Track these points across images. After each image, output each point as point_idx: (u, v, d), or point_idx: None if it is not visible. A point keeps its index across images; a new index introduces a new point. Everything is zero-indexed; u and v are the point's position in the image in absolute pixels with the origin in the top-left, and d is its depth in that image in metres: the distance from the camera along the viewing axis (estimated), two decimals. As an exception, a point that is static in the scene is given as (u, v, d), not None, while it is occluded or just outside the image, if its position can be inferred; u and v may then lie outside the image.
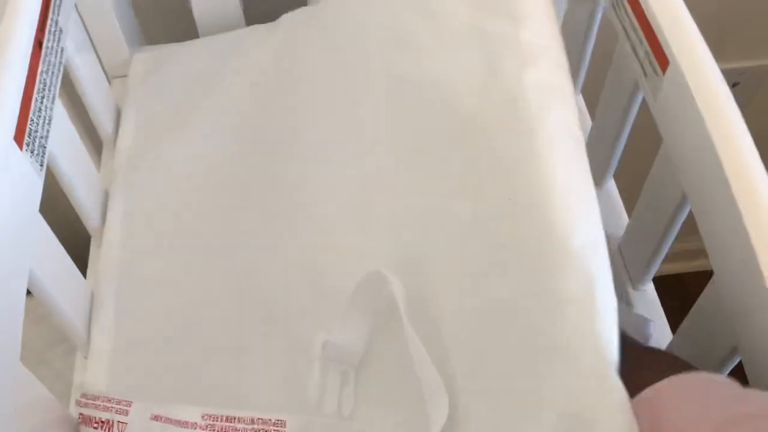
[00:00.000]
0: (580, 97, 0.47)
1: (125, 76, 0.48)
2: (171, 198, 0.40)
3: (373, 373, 0.32)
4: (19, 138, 0.30)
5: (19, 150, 0.30)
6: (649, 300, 0.40)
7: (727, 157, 0.28)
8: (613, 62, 0.40)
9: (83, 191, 0.38)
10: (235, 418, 0.29)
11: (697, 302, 0.33)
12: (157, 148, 0.42)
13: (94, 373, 0.35)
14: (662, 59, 0.32)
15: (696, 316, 0.33)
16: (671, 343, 0.36)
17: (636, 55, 0.35)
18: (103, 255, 0.39)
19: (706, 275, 0.31)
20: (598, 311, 0.27)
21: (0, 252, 0.27)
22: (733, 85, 0.79)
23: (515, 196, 0.30)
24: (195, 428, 0.29)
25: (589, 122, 0.46)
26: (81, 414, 0.33)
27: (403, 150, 0.35)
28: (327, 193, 0.36)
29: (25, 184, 0.30)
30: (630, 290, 0.40)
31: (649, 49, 0.33)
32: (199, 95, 0.44)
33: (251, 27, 0.47)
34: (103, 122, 0.44)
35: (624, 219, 0.43)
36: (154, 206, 0.40)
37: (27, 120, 0.30)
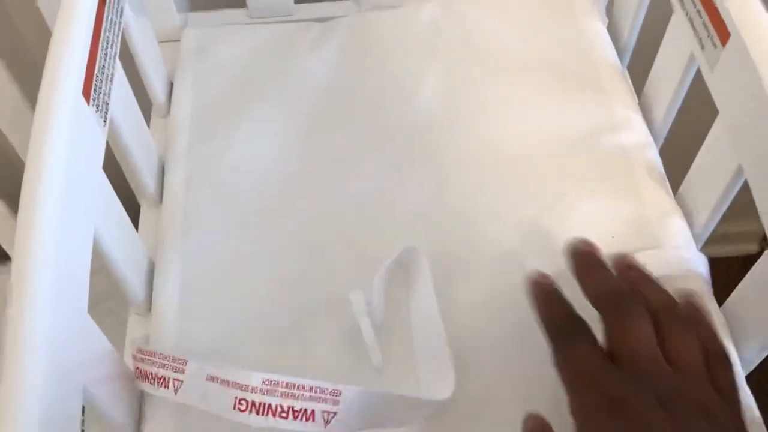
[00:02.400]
0: (627, 73, 0.46)
1: (172, 41, 0.48)
2: (234, 175, 0.41)
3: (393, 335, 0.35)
4: (86, 92, 0.31)
5: (86, 104, 0.31)
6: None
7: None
8: (667, 34, 0.39)
9: (140, 154, 0.39)
10: (294, 385, 0.30)
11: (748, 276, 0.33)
12: (215, 130, 0.43)
13: (157, 331, 0.36)
14: (723, 31, 0.31)
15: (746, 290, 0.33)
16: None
17: (693, 27, 0.34)
18: (164, 215, 0.40)
19: (735, 261, 0.31)
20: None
21: (72, 203, 0.28)
22: None
23: None
24: (254, 392, 0.30)
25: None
26: (137, 368, 0.34)
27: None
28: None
29: (92, 139, 0.31)
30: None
31: (708, 21, 0.32)
32: (250, 92, 0.45)
33: (305, 24, 0.49)
34: (156, 88, 0.44)
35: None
36: (217, 179, 0.41)
37: (93, 75, 0.31)
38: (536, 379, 0.33)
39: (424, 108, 0.44)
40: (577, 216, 0.38)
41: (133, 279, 0.36)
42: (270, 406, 0.30)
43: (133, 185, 0.41)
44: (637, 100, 0.44)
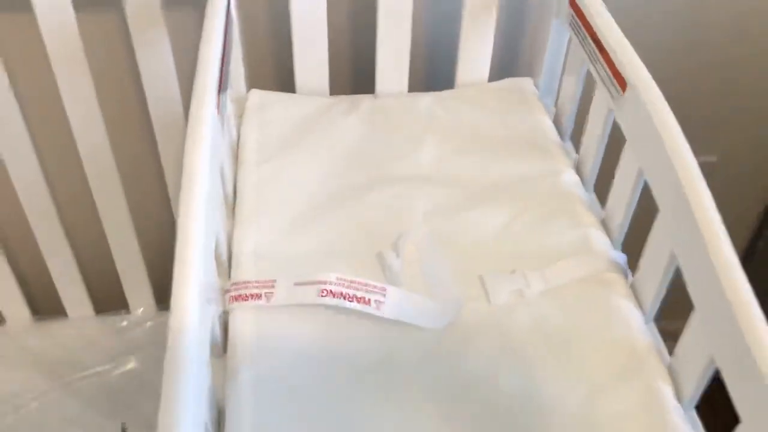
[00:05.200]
0: (568, 143, 0.65)
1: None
2: (289, 186, 0.58)
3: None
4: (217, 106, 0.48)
5: (217, 114, 0.48)
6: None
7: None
8: (593, 102, 0.59)
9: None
10: (355, 282, 0.45)
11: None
12: (274, 157, 0.61)
13: (240, 275, 0.50)
14: (621, 81, 0.51)
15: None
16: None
17: (604, 84, 0.54)
18: (238, 208, 0.55)
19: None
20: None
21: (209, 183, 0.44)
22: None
23: None
24: (331, 284, 0.44)
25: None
26: (231, 296, 0.48)
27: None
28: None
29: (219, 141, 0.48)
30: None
31: (611, 75, 0.52)
32: (302, 136, 0.63)
33: (338, 97, 0.68)
34: (233, 133, 0.62)
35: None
36: (277, 186, 0.58)
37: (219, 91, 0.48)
38: None
39: (419, 163, 0.61)
40: (532, 229, 0.55)
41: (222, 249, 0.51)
42: (341, 293, 0.45)
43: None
44: (573, 158, 0.62)
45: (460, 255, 0.53)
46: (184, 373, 0.35)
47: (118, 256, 0.82)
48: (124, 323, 0.86)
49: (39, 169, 0.73)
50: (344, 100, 0.68)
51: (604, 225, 0.56)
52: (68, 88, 0.67)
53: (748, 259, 1.03)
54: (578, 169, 0.61)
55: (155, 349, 0.84)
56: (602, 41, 0.54)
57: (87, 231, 0.81)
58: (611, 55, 0.52)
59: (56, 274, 0.83)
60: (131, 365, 0.81)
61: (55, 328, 0.85)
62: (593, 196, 0.60)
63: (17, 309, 0.85)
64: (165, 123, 0.69)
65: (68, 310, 0.86)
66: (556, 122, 0.66)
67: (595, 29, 0.55)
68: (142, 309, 0.86)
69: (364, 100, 0.68)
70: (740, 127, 0.91)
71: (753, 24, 0.79)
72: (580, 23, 0.58)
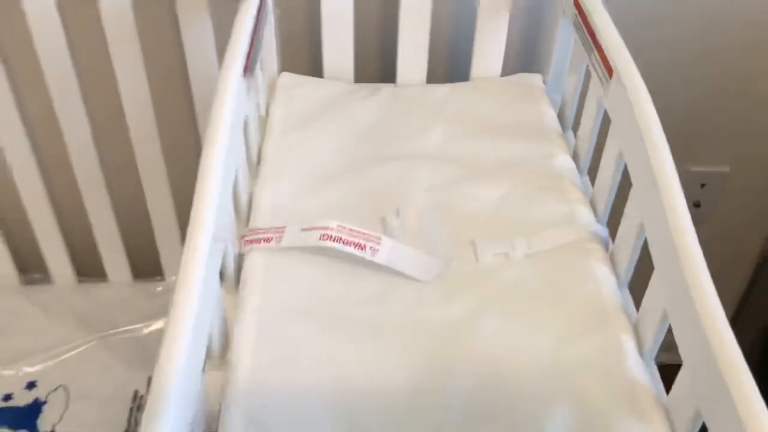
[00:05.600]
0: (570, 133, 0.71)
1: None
2: (310, 153, 0.65)
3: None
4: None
5: (243, 75, 0.55)
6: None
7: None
8: (588, 93, 0.64)
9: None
10: (354, 229, 0.51)
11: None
12: (298, 129, 0.67)
13: (256, 222, 0.57)
14: (609, 68, 0.56)
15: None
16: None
17: (596, 72, 0.59)
18: (262, 168, 0.62)
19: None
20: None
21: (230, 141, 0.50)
22: (702, 186, 1.03)
23: None
24: (332, 230, 0.50)
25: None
26: (246, 240, 0.54)
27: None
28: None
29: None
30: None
31: (601, 64, 0.57)
32: (324, 114, 0.70)
33: (360, 84, 0.75)
34: (260, 103, 0.69)
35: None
36: (299, 152, 0.64)
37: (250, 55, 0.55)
38: None
39: (426, 144, 0.67)
40: (524, 202, 0.60)
41: (242, 202, 0.58)
42: (340, 238, 0.51)
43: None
44: (571, 145, 0.67)
45: (456, 223, 0.58)
46: (192, 291, 0.41)
47: (157, 228, 0.90)
48: (159, 289, 0.93)
49: (93, 144, 0.82)
50: (366, 87, 0.74)
51: (592, 203, 0.61)
52: (122, 68, 0.76)
53: (764, 267, 1.06)
54: (575, 155, 0.66)
55: (185, 314, 0.91)
56: (597, 35, 0.59)
57: (131, 203, 0.89)
58: (602, 45, 0.58)
59: (101, 242, 0.91)
60: (161, 325, 0.89)
61: (96, 289, 0.93)
62: (586, 179, 0.65)
63: (64, 271, 0.93)
64: (203, 97, 0.77)
65: (109, 275, 0.94)
66: (560, 115, 0.71)
67: (591, 24, 0.60)
68: (175, 277, 0.93)
69: (385, 88, 0.74)
70: (753, 137, 0.94)
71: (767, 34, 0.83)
72: (581, 21, 0.64)
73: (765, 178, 0.98)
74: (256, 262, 0.53)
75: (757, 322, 1.09)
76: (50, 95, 0.78)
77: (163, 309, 0.91)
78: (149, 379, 0.83)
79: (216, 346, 0.48)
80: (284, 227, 0.53)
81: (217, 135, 0.49)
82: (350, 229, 0.51)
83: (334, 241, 0.50)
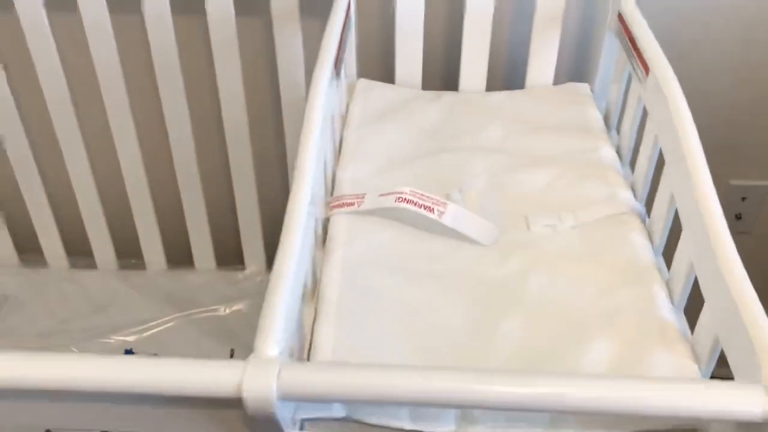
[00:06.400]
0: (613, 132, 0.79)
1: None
2: (384, 142, 0.75)
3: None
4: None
5: (333, 76, 0.66)
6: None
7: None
8: (629, 96, 0.73)
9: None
10: (425, 194, 0.61)
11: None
12: (373, 124, 0.78)
13: (339, 192, 0.67)
14: (645, 66, 0.65)
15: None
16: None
17: (636, 74, 0.68)
18: (343, 152, 0.72)
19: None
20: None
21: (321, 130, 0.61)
22: (742, 199, 1.09)
23: None
24: (406, 194, 0.60)
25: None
26: (332, 206, 0.64)
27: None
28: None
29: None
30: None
31: (638, 62, 0.66)
32: (396, 113, 0.80)
33: (427, 92, 0.85)
34: (342, 106, 0.80)
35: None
36: (374, 139, 0.75)
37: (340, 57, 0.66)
38: None
39: (484, 139, 0.76)
40: (570, 186, 0.69)
41: (328, 179, 0.68)
42: (413, 201, 0.60)
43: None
44: (614, 142, 0.76)
45: (510, 201, 0.67)
46: (296, 227, 0.51)
47: (243, 222, 1.01)
48: (240, 276, 1.04)
49: (191, 137, 0.94)
50: (432, 93, 0.85)
51: (632, 188, 0.69)
52: (223, 74, 0.88)
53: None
54: (618, 149, 0.75)
55: (261, 298, 1.01)
56: (636, 41, 0.68)
57: (220, 200, 1.01)
58: (640, 48, 0.67)
59: (191, 232, 1.03)
60: (240, 306, 0.99)
61: (183, 274, 1.05)
62: (627, 169, 0.73)
63: (157, 257, 1.05)
64: (290, 101, 0.88)
65: (196, 262, 1.05)
66: (605, 119, 0.80)
67: (633, 34, 0.70)
68: (255, 267, 1.04)
69: (448, 94, 0.85)
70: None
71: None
72: (623, 32, 0.73)
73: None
74: (341, 222, 0.63)
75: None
76: (170, 107, 0.90)
77: (242, 293, 1.02)
78: (232, 351, 0.93)
79: (309, 286, 0.58)
80: (364, 194, 0.63)
81: (312, 124, 0.59)
82: (421, 194, 0.61)
83: (407, 203, 0.60)
